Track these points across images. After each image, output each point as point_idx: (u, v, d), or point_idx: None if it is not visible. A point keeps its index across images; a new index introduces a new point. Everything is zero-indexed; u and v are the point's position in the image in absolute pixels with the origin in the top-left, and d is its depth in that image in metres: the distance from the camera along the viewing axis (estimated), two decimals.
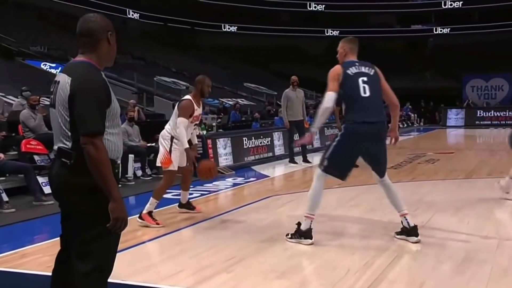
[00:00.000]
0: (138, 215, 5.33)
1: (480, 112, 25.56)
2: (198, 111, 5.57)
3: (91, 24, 2.34)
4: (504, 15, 36.86)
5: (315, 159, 8.43)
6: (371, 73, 4.40)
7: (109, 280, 3.59)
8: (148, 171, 9.04)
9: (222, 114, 17.76)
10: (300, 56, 36.25)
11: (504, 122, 24.17)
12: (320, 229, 4.90)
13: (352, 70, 4.35)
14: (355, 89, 4.29)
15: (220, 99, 22.47)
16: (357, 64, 4.41)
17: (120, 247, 4.38)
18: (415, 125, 26.48)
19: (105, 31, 2.35)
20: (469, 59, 33.95)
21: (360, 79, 4.31)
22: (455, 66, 33.71)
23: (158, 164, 5.77)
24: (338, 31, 41.15)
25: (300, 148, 10.58)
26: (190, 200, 6.23)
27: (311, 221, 4.43)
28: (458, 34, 38.93)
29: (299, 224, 4.49)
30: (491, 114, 25.17)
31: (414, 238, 4.37)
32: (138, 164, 8.96)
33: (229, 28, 41.58)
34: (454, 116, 25.87)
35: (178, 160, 5.47)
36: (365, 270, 3.74)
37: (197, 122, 5.79)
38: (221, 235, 4.85)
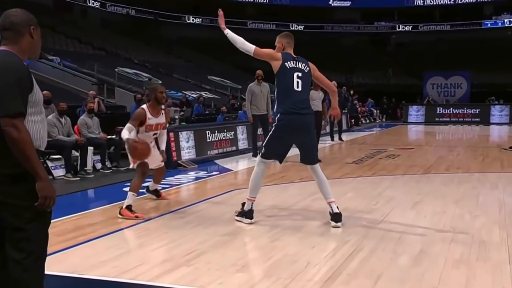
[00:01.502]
0: (118, 212, 5.33)
1: (439, 109, 26.35)
2: (152, 120, 5.64)
3: (13, 18, 2.38)
4: (464, 14, 37.97)
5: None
6: (306, 70, 4.91)
7: (66, 274, 3.57)
8: (108, 164, 8.90)
9: (185, 107, 17.63)
10: None
11: (462, 119, 25.02)
12: (282, 223, 4.97)
13: (289, 64, 4.84)
14: (290, 82, 4.80)
15: (184, 92, 22.28)
16: (295, 59, 4.90)
17: (77, 240, 4.38)
18: (377, 121, 27.03)
19: (27, 25, 2.39)
20: (430, 56, 34.87)
21: (295, 74, 4.82)
22: (417, 63, 34.56)
23: (131, 164, 5.75)
24: (303, 26, 41.47)
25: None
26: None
27: (252, 203, 4.97)
28: (419, 32, 39.85)
29: (243, 204, 5.05)
30: (450, 111, 25.97)
31: (334, 223, 4.82)
32: (98, 157, 8.82)
33: (193, 20, 41.24)
34: (415, 112, 26.56)
35: None
36: (325, 263, 3.81)
37: (157, 132, 5.78)
38: (182, 229, 4.84)
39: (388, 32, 41.50)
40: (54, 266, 3.58)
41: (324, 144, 12.27)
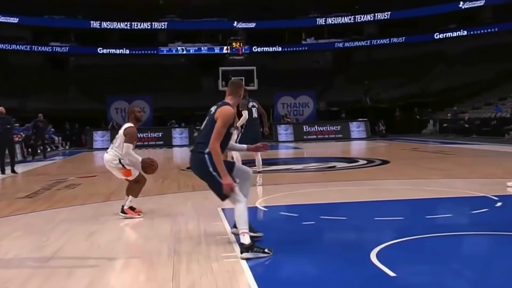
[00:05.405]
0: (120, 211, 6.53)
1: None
2: None
3: None
4: (141, 40, 40.22)
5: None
6: (211, 113, 5.05)
7: None
8: None
9: None
10: None
11: (147, 143, 26.55)
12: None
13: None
14: None
15: None
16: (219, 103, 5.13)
17: None
18: (60, 149, 26.19)
19: None
20: (111, 80, 35.62)
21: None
22: (98, 87, 34.82)
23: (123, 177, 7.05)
24: None
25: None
26: None
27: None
28: (99, 55, 39.90)
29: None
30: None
31: None
32: None
33: None
34: (100, 138, 26.92)
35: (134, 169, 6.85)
36: None
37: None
38: None
39: (65, 53, 40.31)
40: None
41: None
